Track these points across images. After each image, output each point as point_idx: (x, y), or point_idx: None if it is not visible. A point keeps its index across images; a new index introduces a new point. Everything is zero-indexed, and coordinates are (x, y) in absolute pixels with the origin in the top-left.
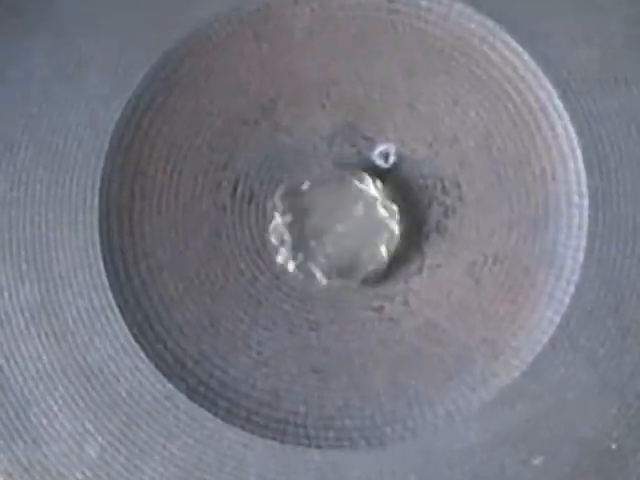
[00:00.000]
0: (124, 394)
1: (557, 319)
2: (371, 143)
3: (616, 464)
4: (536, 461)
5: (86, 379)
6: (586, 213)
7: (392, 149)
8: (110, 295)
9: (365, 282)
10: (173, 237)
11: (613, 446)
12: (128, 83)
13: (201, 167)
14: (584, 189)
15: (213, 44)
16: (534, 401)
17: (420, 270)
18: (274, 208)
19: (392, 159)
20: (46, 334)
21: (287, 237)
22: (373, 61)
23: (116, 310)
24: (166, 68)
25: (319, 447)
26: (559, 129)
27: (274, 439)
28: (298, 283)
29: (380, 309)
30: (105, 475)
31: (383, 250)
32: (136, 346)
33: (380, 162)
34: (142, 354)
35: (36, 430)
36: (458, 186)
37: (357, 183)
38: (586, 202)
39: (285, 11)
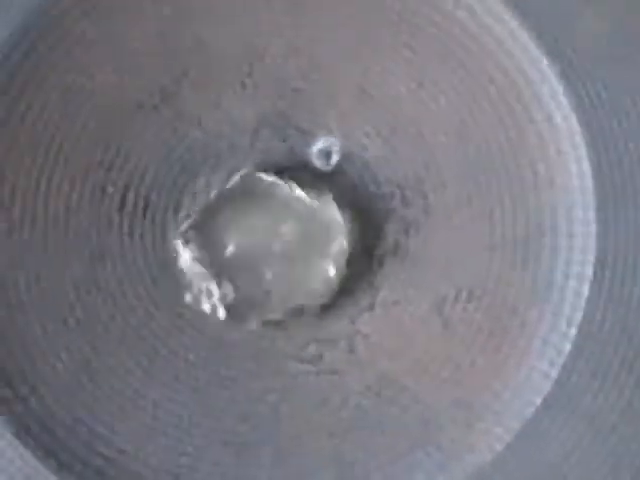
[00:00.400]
0: None
1: (554, 373)
2: (308, 137)
3: None
4: None
5: None
6: (593, 231)
7: (335, 146)
8: None
9: (297, 322)
10: (40, 262)
11: None
12: None
13: (79, 168)
14: (590, 199)
15: (95, 4)
16: None
17: (371, 307)
18: (177, 229)
19: (335, 159)
20: None
21: (196, 267)
22: (312, 29)
23: None
24: (30, 34)
25: None
26: (558, 120)
27: None
28: (208, 325)
29: (317, 359)
30: None
31: (321, 280)
32: None
33: (320, 163)
34: None
35: None
36: (423, 195)
37: (288, 191)
38: (592, 216)
39: None
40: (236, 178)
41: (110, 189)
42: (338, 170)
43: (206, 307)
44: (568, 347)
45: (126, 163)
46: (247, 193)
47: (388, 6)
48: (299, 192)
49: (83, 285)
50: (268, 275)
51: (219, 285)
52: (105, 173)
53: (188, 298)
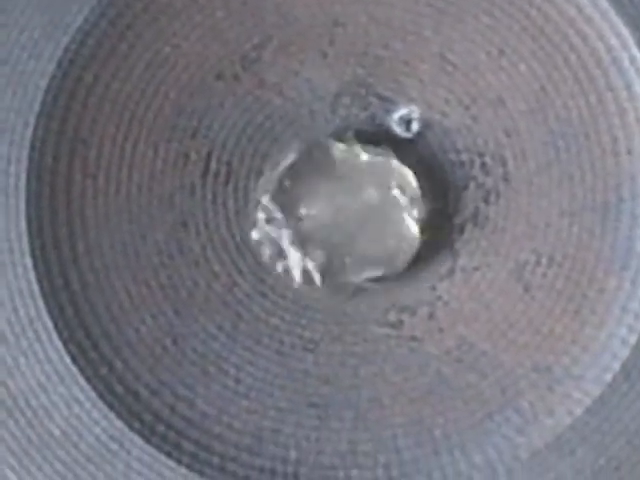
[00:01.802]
0: (58, 434)
1: (632, 339)
2: (389, 105)
3: None
4: None
5: (8, 413)
6: None
7: (416, 113)
8: (41, 303)
9: (379, 288)
10: (125, 227)
11: None
12: (64, 24)
13: (163, 135)
14: None
15: None
16: (602, 447)
17: (451, 273)
18: (259, 193)
19: (416, 126)
20: None
21: (277, 230)
22: (398, 3)
23: (48, 323)
24: (113, 5)
25: None
26: (637, 88)
27: None
28: (290, 289)
29: (398, 324)
30: None
31: (402, 246)
32: (74, 370)
33: (400, 130)
34: (82, 381)
35: None
36: (503, 163)
37: (369, 158)
38: None
39: None
40: (317, 144)
41: (193, 156)
42: (418, 138)
43: (280, 267)
44: None
45: (209, 130)
46: (326, 160)
47: None
48: (379, 159)
49: (167, 251)
50: (349, 241)
51: (302, 251)
52: (188, 140)
53: (266, 257)
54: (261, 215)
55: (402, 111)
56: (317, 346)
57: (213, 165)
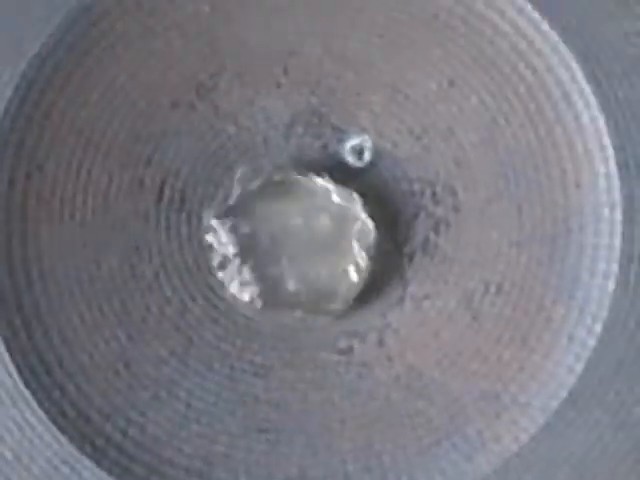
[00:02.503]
0: (10, 457)
1: (579, 367)
2: (341, 134)
3: None
4: None
5: None
6: (619, 230)
7: (368, 143)
8: None
9: (329, 315)
10: (79, 253)
11: None
12: (22, 50)
13: (117, 162)
14: (616, 198)
15: (135, 3)
16: (548, 474)
17: (401, 301)
18: (211, 222)
19: (368, 156)
20: None
21: (230, 258)
22: (346, 29)
23: (1, 347)
24: (71, 32)
25: None
26: (585, 120)
27: None
28: (241, 315)
29: (348, 351)
30: None
31: (353, 275)
32: (27, 394)
33: (352, 159)
34: (34, 405)
35: None
36: (453, 193)
37: (321, 187)
38: (618, 216)
39: None
40: (270, 173)
41: (148, 183)
42: (370, 167)
43: (244, 296)
44: (593, 343)
45: (163, 158)
46: (280, 189)
47: (421, 7)
48: (331, 189)
49: (120, 276)
50: (295, 271)
51: (250, 272)
52: (143, 167)
53: (231, 288)
54: (212, 237)
55: (354, 141)
56: (268, 372)
57: (167, 192)
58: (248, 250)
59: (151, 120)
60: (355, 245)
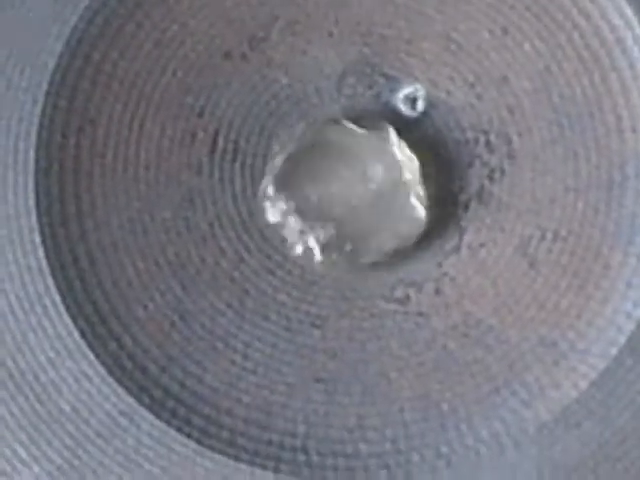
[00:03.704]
0: (67, 409)
1: (637, 314)
2: (394, 83)
3: None
4: None
5: (17, 389)
6: None
7: (421, 92)
8: (49, 279)
9: (385, 264)
10: (132, 205)
11: None
12: (72, 3)
13: (170, 114)
14: None
15: None
16: (608, 420)
17: (457, 249)
18: (267, 172)
19: (421, 105)
20: None
21: (286, 207)
22: None
23: (57, 298)
24: None
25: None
26: None
27: (265, 468)
28: (297, 265)
29: (405, 300)
30: None
31: (409, 224)
32: (83, 346)
33: (405, 109)
34: (91, 356)
35: None
36: (508, 140)
37: (375, 137)
38: None
39: None
40: (324, 123)
41: (200, 134)
42: (423, 116)
43: (300, 250)
44: None
45: (216, 109)
46: (334, 138)
47: None
48: (385, 138)
49: (174, 228)
50: (358, 218)
51: (311, 229)
52: (196, 119)
53: (290, 247)
54: (268, 193)
55: (407, 90)
56: (324, 322)
57: (220, 143)
58: (304, 205)
59: (203, 71)
60: (411, 194)
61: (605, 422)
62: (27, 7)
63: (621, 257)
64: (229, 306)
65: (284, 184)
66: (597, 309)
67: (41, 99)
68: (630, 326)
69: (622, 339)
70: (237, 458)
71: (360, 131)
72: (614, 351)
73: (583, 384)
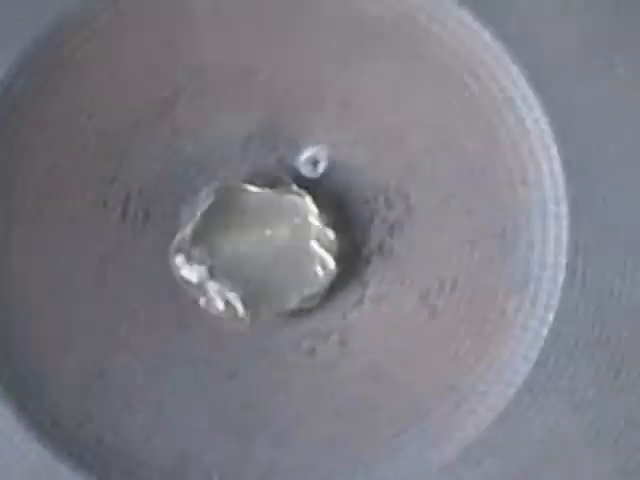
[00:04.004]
0: None
1: (533, 356)
2: (295, 147)
3: None
4: None
5: None
6: (565, 224)
7: (322, 154)
8: None
9: (293, 318)
10: (49, 268)
11: None
12: None
13: (82, 181)
14: (561, 194)
15: (92, 29)
16: (508, 457)
17: (360, 302)
18: (177, 234)
19: (322, 166)
20: None
21: (196, 266)
22: (297, 47)
23: None
24: (34, 59)
25: None
26: (529, 123)
27: None
28: (210, 320)
29: (311, 352)
30: None
31: (314, 279)
32: (1, 404)
33: (307, 171)
34: (10, 413)
35: None
36: (405, 197)
37: (280, 197)
38: (564, 209)
39: None
40: (230, 185)
41: (112, 201)
42: (325, 177)
43: (216, 307)
44: (545, 331)
45: (127, 176)
46: (240, 199)
47: (368, 22)
48: (290, 198)
49: (89, 288)
50: (267, 274)
51: (221, 288)
52: (107, 186)
53: (202, 302)
54: (179, 254)
55: (308, 153)
56: (235, 375)
57: (131, 209)
58: (215, 264)
59: (113, 140)
60: (315, 251)
61: (506, 459)
62: None
63: (516, 302)
64: (143, 362)
65: (194, 245)
66: (495, 353)
67: None
68: (526, 367)
69: (519, 380)
70: None
71: (265, 192)
72: (512, 392)
73: (483, 424)
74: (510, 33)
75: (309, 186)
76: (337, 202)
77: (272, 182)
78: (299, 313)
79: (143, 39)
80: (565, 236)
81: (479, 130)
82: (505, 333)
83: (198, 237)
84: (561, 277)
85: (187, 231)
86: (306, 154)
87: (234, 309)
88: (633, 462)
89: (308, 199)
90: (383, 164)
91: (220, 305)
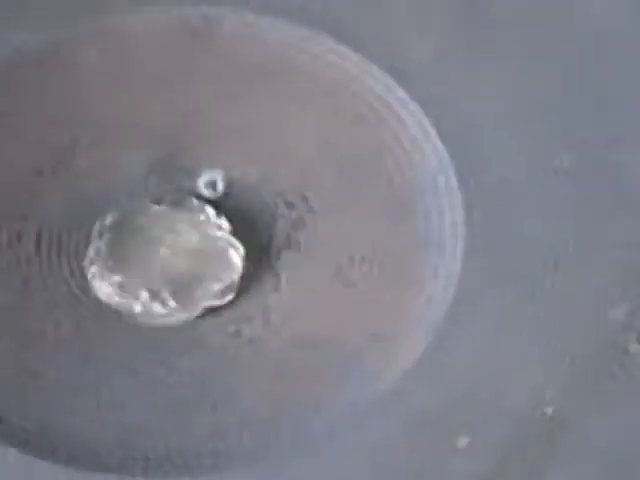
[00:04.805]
0: None
1: (450, 292)
2: (193, 174)
3: (557, 431)
4: (462, 442)
5: None
6: (458, 194)
7: (219, 176)
8: None
9: (216, 308)
10: None
11: (549, 411)
12: None
13: None
14: (446, 164)
15: None
16: (445, 378)
17: (277, 288)
18: (90, 255)
19: (221, 187)
20: None
21: (113, 279)
22: (186, 91)
23: None
24: None
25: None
26: (407, 120)
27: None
28: (134, 326)
29: (237, 333)
30: None
31: (223, 284)
32: None
33: (208, 192)
34: None
35: None
36: (304, 198)
37: (183, 211)
38: (454, 183)
39: (72, 51)
40: (130, 210)
41: (25, 236)
42: (225, 195)
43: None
44: (455, 275)
45: (37, 214)
46: (143, 219)
47: (243, 63)
48: (195, 213)
49: (18, 309)
50: (182, 276)
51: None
52: (19, 224)
53: (137, 309)
54: (94, 270)
55: (206, 177)
56: (166, 361)
57: (44, 241)
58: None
59: (20, 188)
60: (225, 257)
61: (443, 381)
62: None
63: (424, 256)
64: (74, 365)
65: (106, 258)
66: (414, 299)
67: None
68: (448, 299)
69: (441, 313)
70: (107, 469)
71: (168, 209)
72: (440, 323)
73: (417, 353)
74: (377, 51)
75: (214, 203)
76: (241, 213)
77: (174, 201)
78: (222, 306)
79: (38, 94)
80: (458, 197)
81: (363, 131)
82: (418, 284)
83: (109, 250)
84: (461, 240)
85: (100, 244)
86: (204, 178)
87: (164, 306)
88: (565, 364)
89: (209, 209)
90: (278, 175)
91: (137, 307)
